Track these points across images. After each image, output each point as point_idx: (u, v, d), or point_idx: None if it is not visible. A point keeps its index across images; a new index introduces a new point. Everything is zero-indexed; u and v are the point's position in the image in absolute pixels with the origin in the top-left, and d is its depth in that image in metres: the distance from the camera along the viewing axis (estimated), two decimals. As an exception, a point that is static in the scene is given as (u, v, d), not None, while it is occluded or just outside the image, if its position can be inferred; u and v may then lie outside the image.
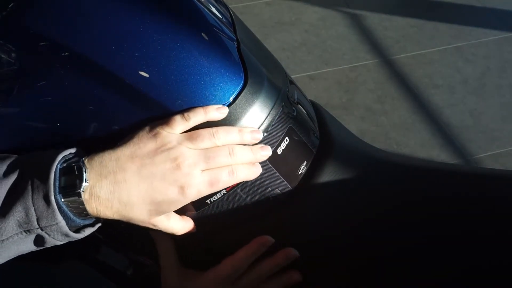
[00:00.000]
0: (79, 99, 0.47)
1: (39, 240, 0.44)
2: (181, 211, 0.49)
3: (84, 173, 0.43)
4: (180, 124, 0.46)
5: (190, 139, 0.46)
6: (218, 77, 0.48)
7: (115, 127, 0.48)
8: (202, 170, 0.46)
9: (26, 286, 0.56)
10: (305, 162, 0.54)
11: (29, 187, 0.42)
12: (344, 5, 2.17)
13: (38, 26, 0.46)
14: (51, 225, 0.42)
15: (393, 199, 0.57)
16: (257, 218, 0.53)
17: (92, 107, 0.47)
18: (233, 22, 0.56)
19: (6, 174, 0.43)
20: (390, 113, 1.73)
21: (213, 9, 0.53)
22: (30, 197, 0.42)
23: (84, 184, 0.43)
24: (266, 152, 0.50)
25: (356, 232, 0.55)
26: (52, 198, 0.41)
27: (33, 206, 0.42)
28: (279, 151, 0.51)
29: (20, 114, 0.47)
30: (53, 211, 0.42)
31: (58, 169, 0.43)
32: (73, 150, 0.45)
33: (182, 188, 0.45)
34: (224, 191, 0.50)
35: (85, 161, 0.44)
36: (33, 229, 0.42)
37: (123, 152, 0.45)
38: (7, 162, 0.44)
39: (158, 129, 0.46)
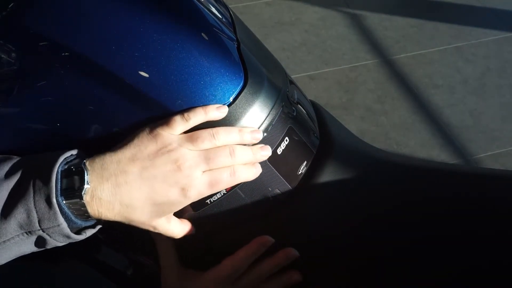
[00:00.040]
0: (79, 99, 0.47)
1: (40, 242, 0.44)
2: (181, 211, 0.49)
3: (85, 175, 0.43)
4: (180, 124, 0.46)
5: (190, 140, 0.46)
6: (218, 77, 0.48)
7: (115, 127, 0.48)
8: (203, 171, 0.46)
9: (26, 286, 0.56)
10: (305, 162, 0.54)
11: (31, 189, 0.42)
12: (344, 5, 2.17)
13: (38, 26, 0.46)
14: (52, 227, 0.42)
15: (393, 199, 0.57)
16: (257, 218, 0.53)
17: (92, 107, 0.47)
18: (233, 22, 0.56)
19: (8, 175, 0.43)
20: (390, 113, 1.73)
21: (213, 9, 0.53)
22: (31, 198, 0.42)
23: (85, 186, 0.43)
24: (266, 152, 0.50)
25: (356, 232, 0.55)
26: (54, 200, 0.42)
27: (35, 207, 0.42)
28: (279, 151, 0.51)
29: (20, 114, 0.47)
30: (55, 213, 0.42)
31: (59, 171, 0.43)
32: (74, 152, 0.45)
33: (183, 190, 0.45)
34: (224, 191, 0.50)
35: (87, 163, 0.44)
36: (34, 231, 0.42)
37: (124, 154, 0.45)
38: (9, 164, 0.44)
39: (158, 130, 0.46)
